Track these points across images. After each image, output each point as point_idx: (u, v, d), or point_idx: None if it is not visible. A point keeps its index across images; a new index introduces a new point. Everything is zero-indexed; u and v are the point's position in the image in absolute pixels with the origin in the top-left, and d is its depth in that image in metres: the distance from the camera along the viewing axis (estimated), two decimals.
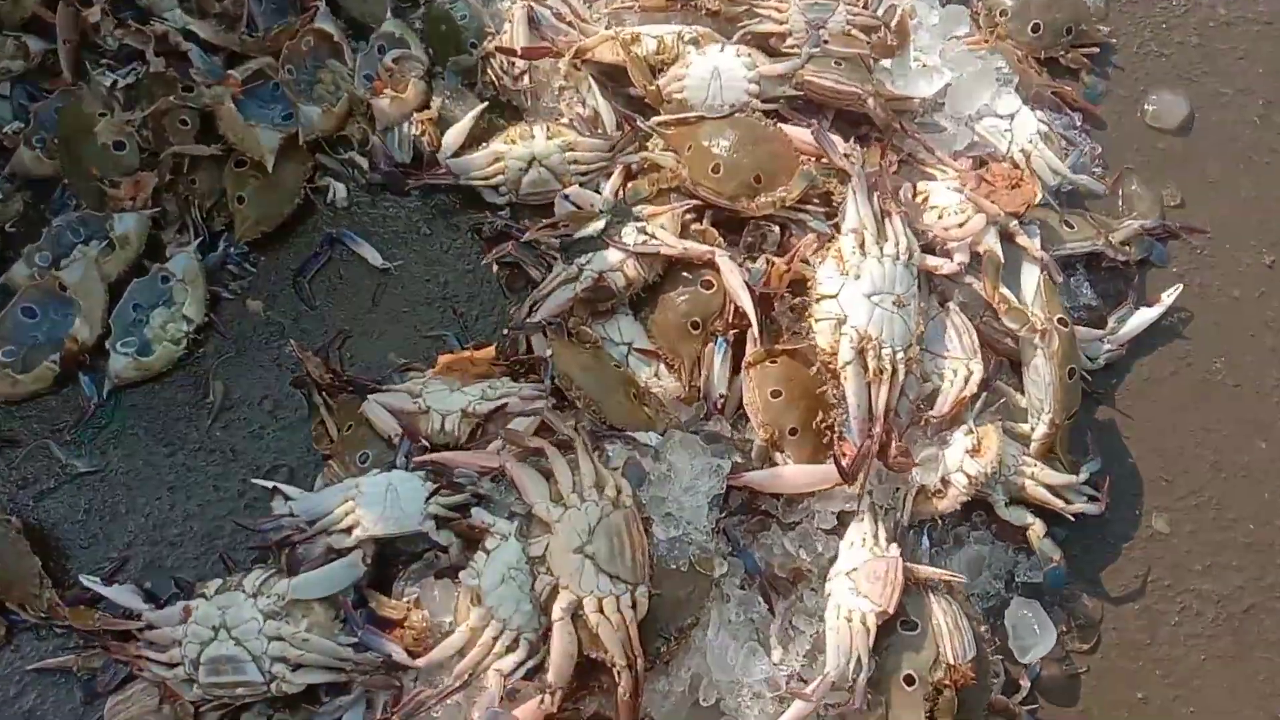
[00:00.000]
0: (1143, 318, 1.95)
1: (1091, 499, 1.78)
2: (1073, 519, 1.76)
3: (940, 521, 1.73)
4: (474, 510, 1.62)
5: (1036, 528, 1.74)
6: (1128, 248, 2.00)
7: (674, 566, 1.58)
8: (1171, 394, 1.96)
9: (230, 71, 1.99)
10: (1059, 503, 1.74)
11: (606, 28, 2.05)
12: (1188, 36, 2.26)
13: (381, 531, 1.62)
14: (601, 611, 1.48)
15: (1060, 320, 1.77)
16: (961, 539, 1.76)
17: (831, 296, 1.68)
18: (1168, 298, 1.97)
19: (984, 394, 1.75)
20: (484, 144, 1.97)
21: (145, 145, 1.97)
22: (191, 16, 2.03)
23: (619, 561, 1.50)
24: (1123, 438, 1.92)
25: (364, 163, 2.02)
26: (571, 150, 1.93)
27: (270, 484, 1.71)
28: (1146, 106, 2.18)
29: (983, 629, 1.65)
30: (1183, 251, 2.07)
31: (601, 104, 1.96)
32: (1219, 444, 1.92)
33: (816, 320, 1.68)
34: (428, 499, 1.62)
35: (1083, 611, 1.79)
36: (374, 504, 1.63)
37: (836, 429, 1.65)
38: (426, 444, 1.72)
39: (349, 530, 1.62)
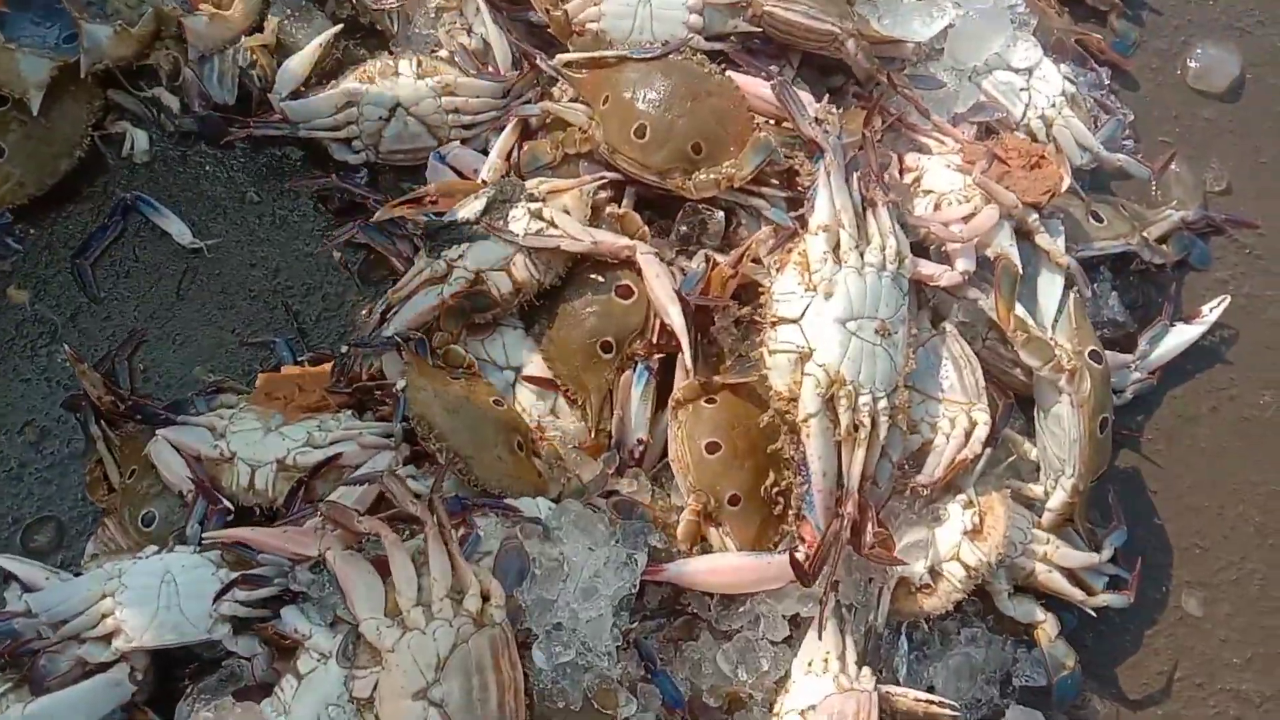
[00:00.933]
0: (1180, 338, 1.62)
1: (1115, 582, 1.41)
2: (1094, 614, 1.38)
3: (925, 620, 1.32)
4: (284, 611, 1.19)
5: (1047, 627, 1.39)
6: (1164, 247, 1.65)
7: (561, 706, 1.15)
8: (1210, 436, 1.65)
9: None
10: (1078, 594, 1.39)
11: None
12: None
13: (153, 642, 1.21)
14: None
15: (1093, 354, 1.37)
16: (949, 637, 1.40)
17: (792, 321, 1.26)
18: (1210, 312, 1.64)
19: (989, 450, 1.34)
20: (334, 82, 1.56)
21: None
22: None
23: (478, 712, 1.06)
24: (1148, 492, 1.61)
25: (173, 103, 1.62)
26: (450, 94, 1.54)
27: (6, 562, 1.24)
28: (1189, 63, 1.87)
29: None
30: (1228, 251, 1.76)
31: (493, 32, 1.57)
32: (1266, 502, 1.63)
33: (771, 352, 1.25)
34: (219, 596, 1.16)
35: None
36: (143, 602, 1.22)
37: (793, 503, 1.23)
38: (228, 506, 1.29)
39: (108, 638, 1.17)
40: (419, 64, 1.53)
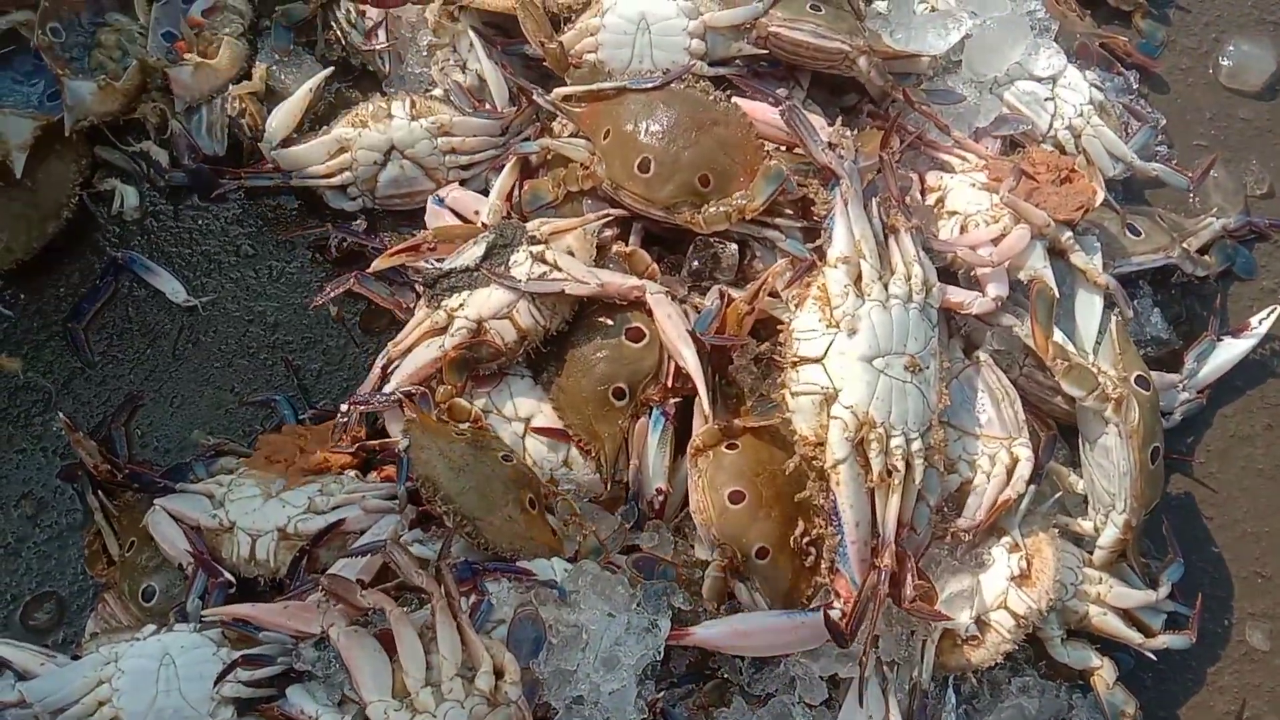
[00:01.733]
0: (1229, 353, 1.53)
1: (1174, 619, 1.31)
2: (1154, 658, 1.29)
3: (974, 673, 1.24)
4: (289, 691, 1.12)
5: (1104, 672, 1.31)
6: (1206, 257, 1.57)
7: None
8: (1266, 455, 1.58)
9: None
10: (1136, 637, 1.30)
11: None
12: None
13: None
14: None
15: (1139, 380, 1.28)
16: (999, 687, 1.32)
17: (815, 360, 1.17)
18: (1260, 324, 1.55)
19: (1032, 489, 1.25)
20: (326, 127, 1.51)
21: None
22: None
23: None
24: (1204, 519, 1.53)
25: (162, 156, 1.59)
26: (446, 134, 1.49)
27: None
28: (1221, 61, 1.80)
29: None
30: (1275, 258, 1.69)
31: (488, 67, 1.51)
32: None
33: (794, 395, 1.17)
34: (220, 679, 1.10)
35: None
36: (141, 687, 1.17)
37: (826, 554, 1.15)
38: (229, 579, 1.23)
39: None
40: (413, 104, 1.47)
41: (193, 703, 1.14)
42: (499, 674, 1.07)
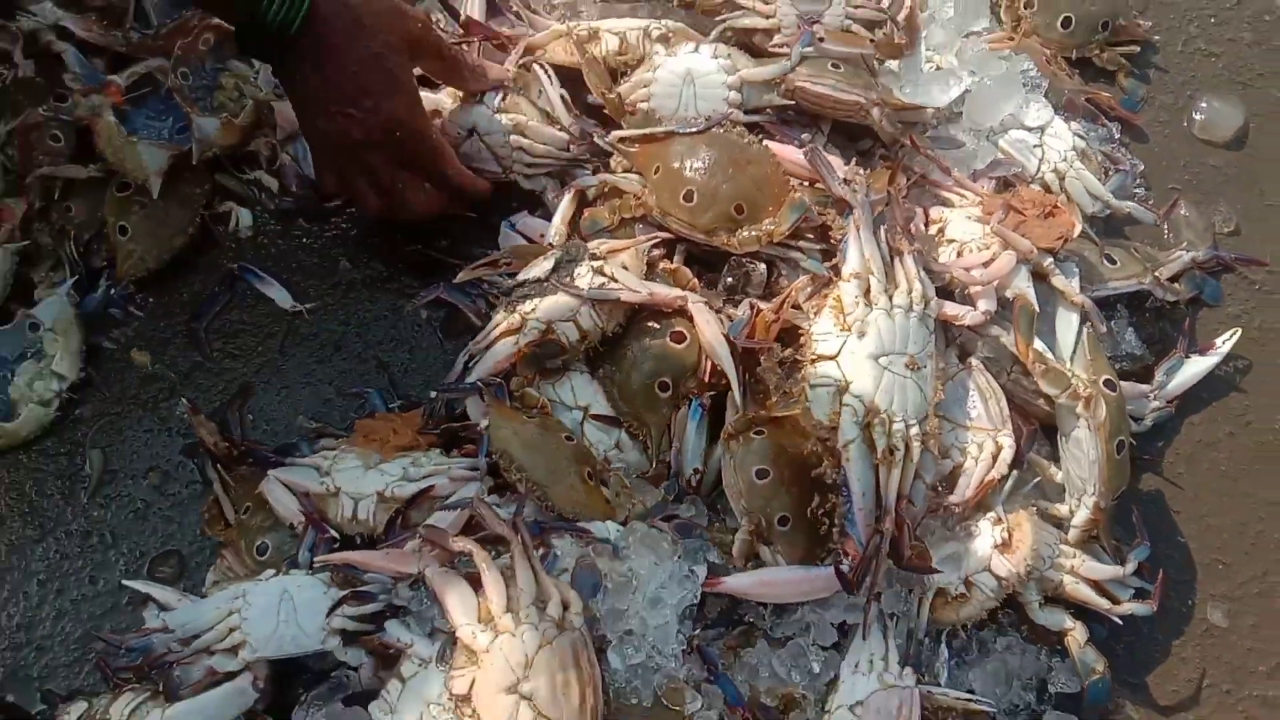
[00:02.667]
0: (1195, 368, 1.67)
1: (1140, 593, 1.50)
2: (1120, 622, 1.48)
3: (963, 628, 1.43)
4: (388, 624, 1.32)
5: (1077, 634, 1.46)
6: (1176, 285, 1.73)
7: (634, 703, 1.28)
8: (1229, 459, 1.70)
9: (112, 77, 1.70)
10: (1104, 603, 1.47)
11: (560, 20, 1.75)
12: (1240, 33, 2.00)
13: (274, 653, 1.33)
14: None
15: (1107, 382, 1.48)
16: (987, 646, 1.47)
17: (830, 358, 1.38)
18: (1223, 344, 1.70)
19: (1015, 473, 1.46)
20: None
21: (10, 166, 1.69)
22: (67, 11, 1.73)
23: (563, 704, 1.19)
24: (1172, 512, 1.66)
25: (272, 184, 1.74)
26: (520, 134, 1.66)
27: (144, 588, 1.41)
28: (1194, 116, 1.92)
29: None
30: (1239, 288, 1.81)
31: (557, 102, 1.68)
32: None
33: (812, 386, 1.37)
34: (330, 611, 1.32)
35: None
36: (265, 618, 1.34)
37: (837, 520, 1.35)
38: (335, 535, 1.43)
39: (235, 649, 1.32)
40: (504, 97, 1.66)
41: (308, 632, 1.32)
42: (565, 606, 1.27)
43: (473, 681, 1.21)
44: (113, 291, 1.67)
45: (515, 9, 1.72)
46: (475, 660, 1.22)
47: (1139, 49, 1.93)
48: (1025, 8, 1.85)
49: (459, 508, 1.36)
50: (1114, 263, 1.66)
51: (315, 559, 1.38)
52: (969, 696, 1.35)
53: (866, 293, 1.40)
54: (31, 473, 1.60)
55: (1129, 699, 1.54)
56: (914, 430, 1.36)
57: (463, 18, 1.73)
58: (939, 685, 1.38)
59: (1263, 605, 1.61)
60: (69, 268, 1.66)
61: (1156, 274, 1.69)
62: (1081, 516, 1.48)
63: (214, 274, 1.72)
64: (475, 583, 1.28)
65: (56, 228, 1.68)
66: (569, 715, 1.20)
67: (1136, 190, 1.81)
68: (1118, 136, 1.84)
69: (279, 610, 1.33)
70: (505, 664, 1.20)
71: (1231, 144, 1.91)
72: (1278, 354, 1.76)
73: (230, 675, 1.34)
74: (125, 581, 1.48)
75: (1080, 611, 1.50)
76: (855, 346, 1.37)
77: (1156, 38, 1.97)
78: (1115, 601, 1.47)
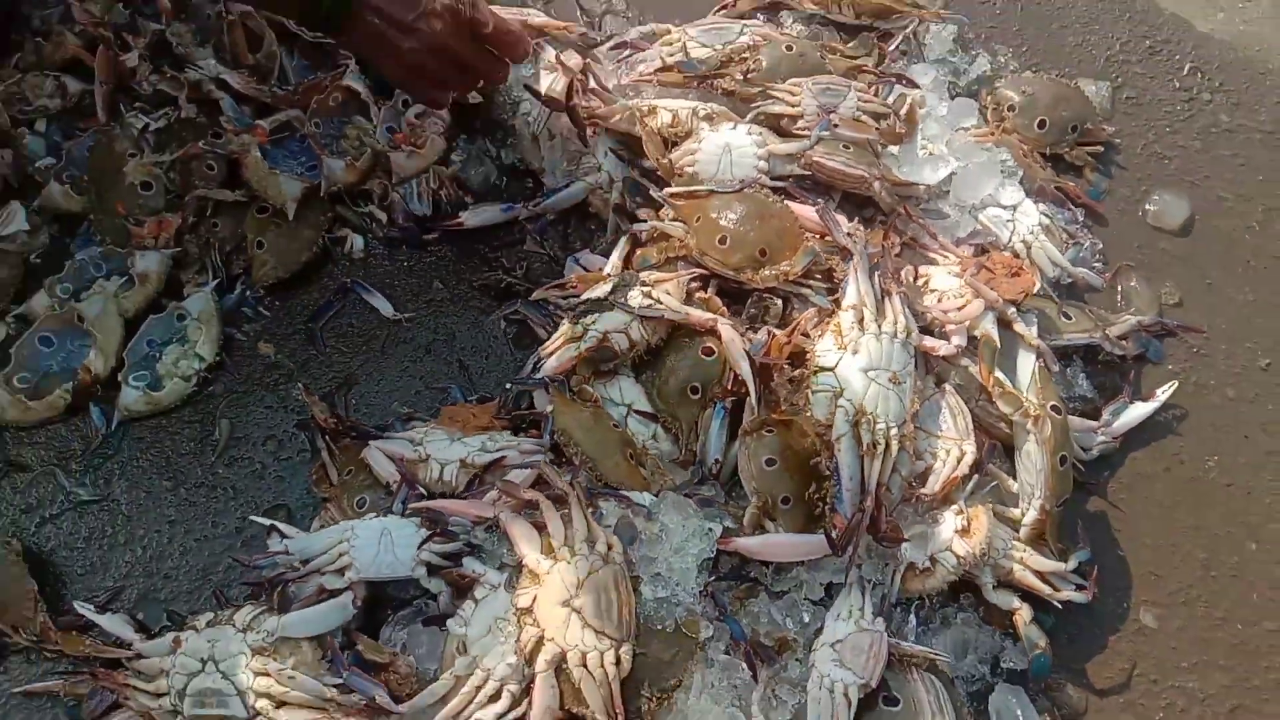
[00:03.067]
0: (1137, 412, 1.96)
1: (1079, 587, 1.78)
2: (1060, 606, 1.76)
3: (928, 601, 1.73)
4: (465, 560, 1.63)
5: (1023, 613, 1.73)
6: (1125, 342, 2.02)
7: (660, 627, 1.59)
8: (1164, 490, 1.96)
9: (259, 122, 2.05)
10: (1046, 589, 1.75)
11: (626, 98, 2.11)
12: (1191, 141, 2.31)
13: (374, 575, 1.63)
14: (585, 666, 1.49)
15: (1054, 407, 1.79)
16: (949, 620, 1.75)
17: (829, 369, 1.71)
18: (1162, 394, 1.98)
19: (976, 476, 1.77)
20: None
21: (172, 187, 2.02)
22: (225, 67, 2.09)
23: (606, 617, 1.51)
24: (1114, 530, 1.92)
25: (383, 216, 2.05)
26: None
27: (268, 522, 1.73)
28: (1148, 206, 2.22)
29: (965, 712, 1.64)
30: (1180, 350, 2.09)
31: (619, 172, 2.03)
32: (1210, 543, 1.92)
33: (814, 392, 1.71)
34: (420, 545, 1.64)
35: (1067, 702, 1.77)
36: (368, 547, 1.64)
37: (829, 500, 1.66)
38: (424, 492, 1.74)
39: (342, 571, 1.64)
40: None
41: (402, 561, 1.61)
42: (609, 547, 1.59)
43: (534, 598, 1.53)
44: (247, 294, 2.00)
45: (592, 88, 2.10)
46: (538, 581, 1.54)
47: (1103, 149, 2.25)
48: (1008, 110, 2.18)
49: (528, 468, 1.69)
50: (1069, 318, 1.97)
51: (410, 506, 1.70)
52: (928, 650, 1.64)
53: (861, 321, 1.74)
54: (170, 434, 1.91)
55: (1070, 681, 1.78)
56: (894, 431, 1.69)
57: (544, 95, 2.08)
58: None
59: (1187, 612, 1.86)
60: (212, 272, 1.99)
61: (1107, 331, 2.00)
62: (1031, 517, 1.77)
63: (330, 285, 2.03)
64: (537, 529, 1.61)
65: (204, 239, 2.02)
66: (609, 627, 1.52)
67: (1095, 264, 2.11)
68: (1081, 220, 2.15)
69: (379, 542, 1.64)
70: (561, 584, 1.53)
71: (1179, 232, 2.20)
72: (1208, 406, 2.03)
73: (334, 594, 1.64)
74: (252, 516, 1.78)
75: (1029, 602, 1.76)
76: (849, 361, 1.71)
77: (1118, 141, 2.29)
78: (1056, 590, 1.77)
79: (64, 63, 2.10)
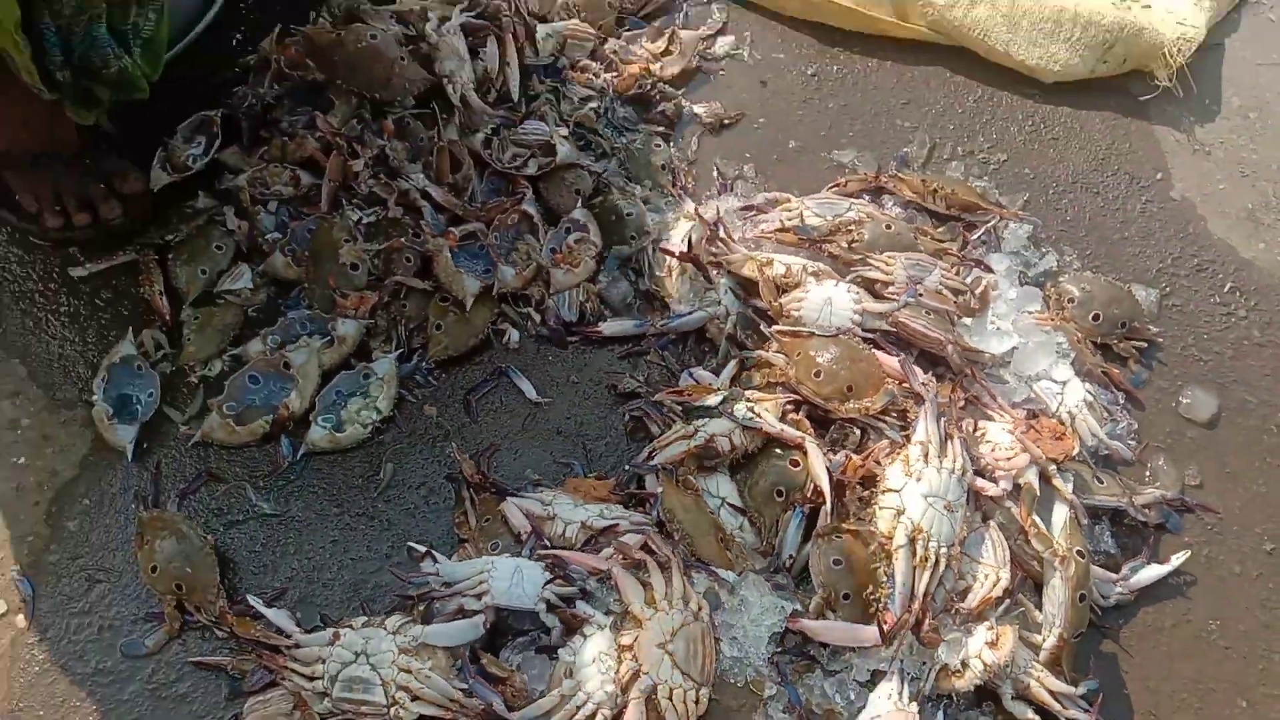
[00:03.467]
0: (1153, 573, 2.21)
1: (1085, 711, 2.06)
2: None
3: (955, 699, 2.01)
4: (579, 603, 1.98)
5: None
6: (1149, 511, 2.28)
7: (732, 681, 1.92)
8: (1169, 643, 2.18)
9: (451, 229, 2.42)
10: (1056, 706, 2.02)
11: (749, 249, 2.53)
12: (1225, 349, 2.58)
13: (504, 603, 1.96)
14: (670, 700, 1.83)
15: (1079, 551, 2.11)
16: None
17: (895, 491, 2.06)
18: (1177, 560, 2.23)
19: (1007, 601, 2.07)
20: None
21: (374, 271, 2.35)
22: (430, 181, 2.51)
23: (692, 663, 1.85)
24: (1121, 670, 2.15)
25: (537, 317, 2.38)
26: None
27: (424, 548, 2.09)
28: (1181, 399, 2.44)
29: None
30: (1196, 526, 2.32)
31: (731, 302, 2.41)
32: (1205, 695, 2.14)
33: (880, 508, 2.05)
34: (545, 585, 1.99)
35: None
36: (503, 580, 1.97)
37: (882, 601, 1.98)
38: (549, 544, 2.07)
39: (479, 596, 1.99)
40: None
41: (528, 595, 1.92)
42: (700, 608, 1.95)
43: (635, 638, 1.88)
44: (421, 364, 2.37)
45: (721, 237, 2.54)
46: (639, 625, 1.89)
47: (1147, 345, 2.54)
48: (1068, 301, 2.49)
49: (639, 534, 2.06)
50: (1101, 482, 2.28)
51: (537, 553, 2.06)
52: None
53: (926, 455, 2.10)
54: (343, 470, 2.28)
55: None
56: (944, 550, 2.02)
57: (677, 252, 2.48)
58: None
59: None
60: (396, 343, 2.37)
61: (1134, 499, 2.30)
62: (1050, 643, 2.06)
63: (488, 366, 2.33)
64: (642, 585, 1.97)
65: (394, 316, 2.41)
66: (694, 671, 1.86)
67: (1129, 441, 2.40)
68: (1120, 402, 2.44)
69: (513, 577, 1.97)
70: (659, 629, 1.87)
71: (1206, 424, 2.44)
72: (1216, 577, 2.27)
73: (470, 614, 1.97)
74: (410, 544, 2.13)
75: (1040, 716, 2.03)
76: (913, 487, 2.07)
77: (1161, 340, 2.55)
78: (1064, 709, 2.05)
79: (301, 160, 2.55)
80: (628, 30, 2.87)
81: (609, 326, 2.38)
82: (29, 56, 1.96)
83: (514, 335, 2.40)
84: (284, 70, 2.55)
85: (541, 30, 2.73)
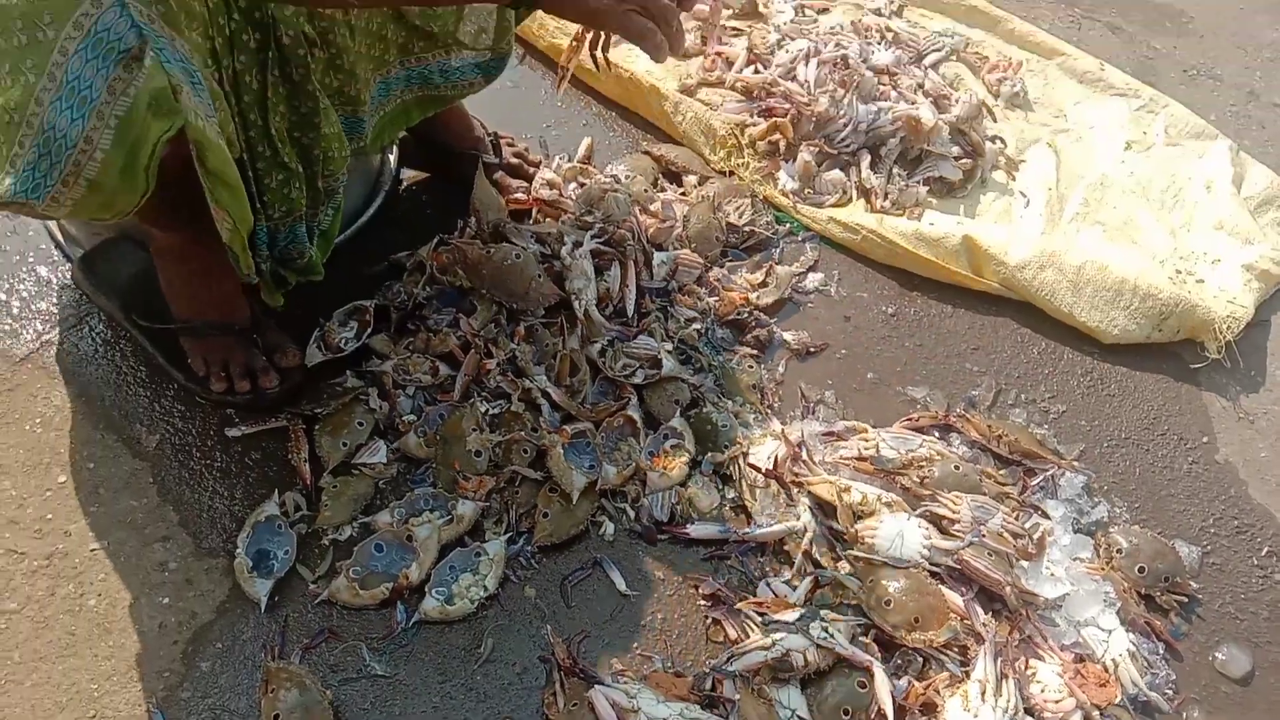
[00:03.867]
0: None
1: None
2: None
3: None
4: None
5: None
6: None
7: None
8: None
9: (564, 426, 2.71)
10: None
11: (828, 473, 2.82)
12: (1260, 610, 2.74)
13: None
14: None
15: None
16: None
17: None
18: None
19: None
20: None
21: (494, 458, 2.55)
22: (549, 383, 2.87)
23: None
24: None
25: (632, 514, 2.56)
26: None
27: None
28: (1217, 654, 2.53)
29: None
30: None
31: (810, 520, 2.69)
32: None
33: None
34: None
35: None
36: None
37: None
38: None
39: None
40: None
41: None
42: None
43: None
44: (526, 548, 2.63)
45: (804, 459, 2.82)
46: None
47: (1187, 600, 2.74)
48: (1116, 552, 2.71)
49: None
50: None
51: None
52: None
53: (983, 693, 2.33)
54: (449, 640, 2.49)
55: None
56: None
57: (764, 469, 2.80)
58: None
59: None
60: (506, 526, 2.64)
61: None
62: None
63: (585, 556, 2.46)
64: None
65: (507, 501, 2.68)
66: None
67: (1166, 691, 2.57)
68: (1160, 653, 2.62)
69: None
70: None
71: (1240, 681, 2.61)
72: None
73: None
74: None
75: None
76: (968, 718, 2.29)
77: (1201, 596, 2.75)
78: None
79: (442, 354, 2.89)
80: (730, 261, 3.20)
81: (696, 529, 2.55)
82: (248, 252, 2.33)
83: (609, 528, 2.57)
84: (435, 275, 2.91)
85: (657, 257, 3.10)
